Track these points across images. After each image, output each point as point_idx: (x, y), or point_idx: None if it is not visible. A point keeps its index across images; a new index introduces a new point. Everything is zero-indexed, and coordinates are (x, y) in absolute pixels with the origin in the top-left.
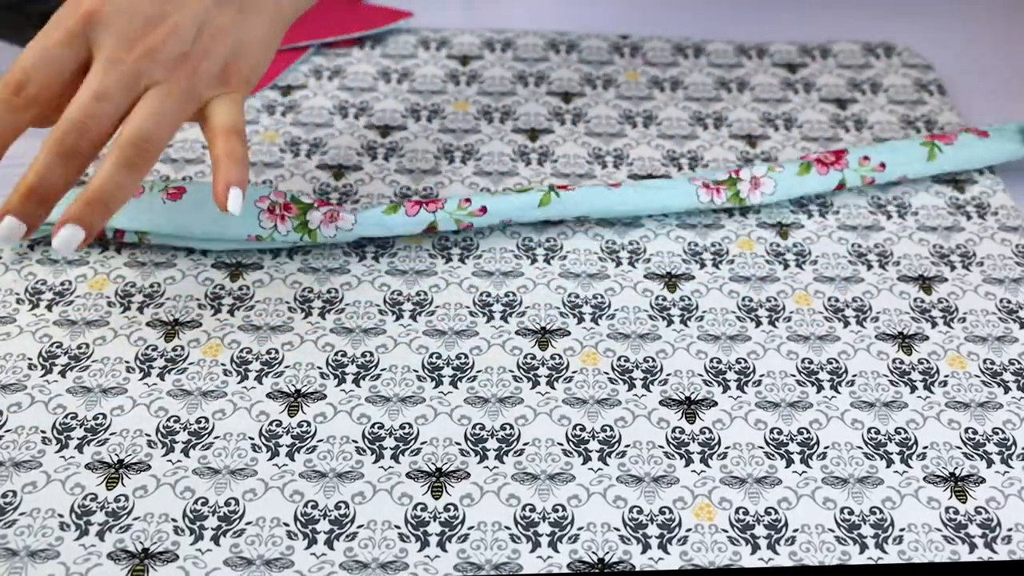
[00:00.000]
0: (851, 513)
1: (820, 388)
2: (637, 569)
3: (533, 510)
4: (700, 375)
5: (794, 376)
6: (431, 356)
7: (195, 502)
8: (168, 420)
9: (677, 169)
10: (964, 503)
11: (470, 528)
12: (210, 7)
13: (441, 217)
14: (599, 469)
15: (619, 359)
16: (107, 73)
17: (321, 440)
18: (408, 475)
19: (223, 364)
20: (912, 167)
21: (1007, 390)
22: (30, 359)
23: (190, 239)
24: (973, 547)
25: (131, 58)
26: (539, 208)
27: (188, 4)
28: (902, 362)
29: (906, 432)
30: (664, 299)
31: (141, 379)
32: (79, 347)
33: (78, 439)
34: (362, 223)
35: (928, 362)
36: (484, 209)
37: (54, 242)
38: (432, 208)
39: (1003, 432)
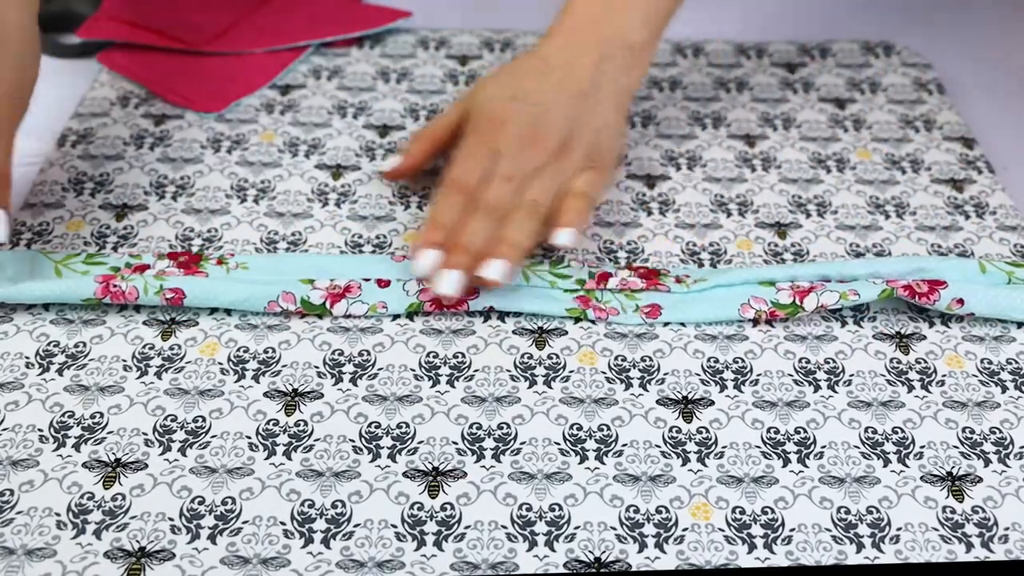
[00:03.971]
0: (848, 512)
1: (817, 388)
2: (633, 568)
3: (530, 509)
4: (697, 374)
5: (791, 376)
6: (428, 355)
7: (192, 501)
8: (165, 419)
9: (676, 169)
10: (961, 502)
11: (467, 527)
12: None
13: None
14: (596, 468)
15: (616, 358)
16: None
17: (318, 439)
18: (405, 474)
19: (220, 363)
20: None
21: (1004, 389)
22: (27, 358)
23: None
24: (970, 547)
25: None
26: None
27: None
28: (899, 361)
29: (903, 432)
30: None
31: (138, 378)
32: (76, 345)
33: (75, 438)
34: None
35: (925, 361)
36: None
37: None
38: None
39: (1000, 431)
